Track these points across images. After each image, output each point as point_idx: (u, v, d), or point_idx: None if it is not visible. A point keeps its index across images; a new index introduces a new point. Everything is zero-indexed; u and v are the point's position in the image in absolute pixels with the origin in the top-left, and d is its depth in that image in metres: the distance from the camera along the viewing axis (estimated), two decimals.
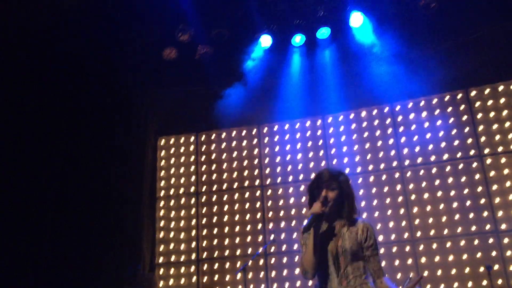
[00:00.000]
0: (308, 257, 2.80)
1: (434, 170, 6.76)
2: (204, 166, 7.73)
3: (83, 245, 6.99)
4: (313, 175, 6.98)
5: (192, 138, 7.91)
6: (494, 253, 6.17)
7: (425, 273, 6.32)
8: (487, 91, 6.85)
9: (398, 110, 7.17)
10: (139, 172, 7.56)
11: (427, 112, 7.00)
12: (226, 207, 7.44)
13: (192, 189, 7.63)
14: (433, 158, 6.79)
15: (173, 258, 7.35)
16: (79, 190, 7.25)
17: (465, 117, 6.82)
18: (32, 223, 7.04)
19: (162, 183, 7.76)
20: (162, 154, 7.92)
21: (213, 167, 7.69)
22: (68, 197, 7.25)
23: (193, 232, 7.39)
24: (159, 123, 7.97)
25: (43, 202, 7.19)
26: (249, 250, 7.07)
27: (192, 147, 7.86)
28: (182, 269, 7.27)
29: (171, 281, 7.21)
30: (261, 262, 6.99)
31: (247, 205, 7.38)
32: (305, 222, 2.85)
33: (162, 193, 7.70)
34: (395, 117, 7.14)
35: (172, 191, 7.69)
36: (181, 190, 7.67)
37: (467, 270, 6.21)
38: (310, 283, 6.63)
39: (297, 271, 6.82)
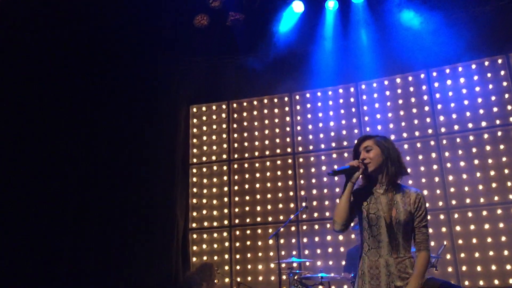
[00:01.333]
0: (338, 208, 2.79)
1: (471, 138, 6.60)
2: (236, 134, 7.76)
3: (117, 212, 7.18)
4: (345, 143, 6.95)
5: (224, 106, 7.93)
6: None
7: (460, 242, 6.26)
8: None
9: (435, 76, 6.99)
10: (172, 140, 7.64)
11: (465, 78, 6.80)
12: (258, 175, 7.49)
13: (224, 156, 7.70)
14: (470, 125, 6.62)
15: (206, 223, 7.48)
16: (113, 159, 7.39)
17: (505, 83, 6.59)
18: (70, 190, 7.27)
19: (195, 150, 7.85)
20: (195, 122, 7.99)
21: (245, 134, 7.71)
22: (103, 164, 7.40)
23: (226, 199, 7.49)
24: (191, 91, 8.00)
25: (80, 168, 7.39)
26: (281, 217, 7.12)
27: (224, 115, 7.89)
28: (215, 235, 7.40)
29: (204, 246, 7.36)
30: (293, 228, 7.04)
31: (279, 173, 7.40)
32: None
33: (195, 160, 7.80)
34: (432, 84, 6.96)
35: (204, 158, 7.78)
36: (214, 158, 7.74)
37: (503, 238, 6.10)
38: (342, 249, 6.66)
39: (329, 237, 6.86)
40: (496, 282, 6.01)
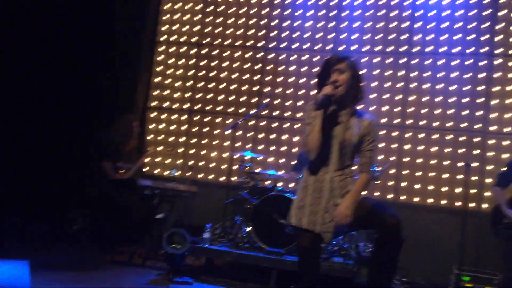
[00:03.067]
0: (314, 138, 2.85)
1: (441, 62, 6.61)
2: (210, 17, 7.46)
3: (80, 76, 7.03)
4: (319, 45, 6.81)
5: None
6: (476, 152, 6.32)
7: (407, 159, 6.55)
8: None
9: None
10: (141, 13, 7.30)
11: None
12: (225, 64, 7.36)
13: (195, 39, 7.47)
14: (443, 49, 6.60)
15: (166, 104, 7.45)
16: (80, 26, 7.06)
17: (489, 11, 6.48)
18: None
19: (165, 27, 7.55)
20: None
21: (219, 19, 7.44)
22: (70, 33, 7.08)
23: (189, 83, 7.40)
24: None
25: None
26: (241, 110, 7.17)
27: None
28: (174, 116, 7.42)
29: (161, 125, 7.40)
30: (252, 122, 7.12)
31: (247, 65, 7.30)
32: (317, 101, 2.87)
33: (164, 37, 7.54)
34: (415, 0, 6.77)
35: (173, 38, 7.52)
36: (183, 38, 7.50)
37: (446, 162, 6.41)
38: (295, 150, 6.86)
39: (285, 136, 7.01)
40: (430, 200, 6.42)
